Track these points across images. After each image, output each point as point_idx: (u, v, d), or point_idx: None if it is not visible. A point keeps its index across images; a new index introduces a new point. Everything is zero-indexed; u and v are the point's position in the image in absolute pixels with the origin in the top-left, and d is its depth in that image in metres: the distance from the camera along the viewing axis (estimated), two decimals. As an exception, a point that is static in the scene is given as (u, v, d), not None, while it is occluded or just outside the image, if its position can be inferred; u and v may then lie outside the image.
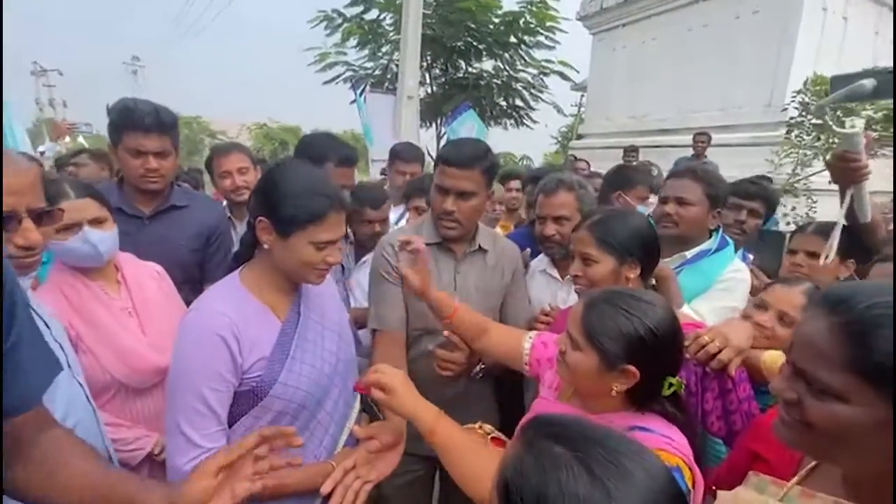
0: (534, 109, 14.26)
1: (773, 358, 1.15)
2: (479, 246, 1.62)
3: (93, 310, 1.35)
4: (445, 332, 1.43)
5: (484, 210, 1.60)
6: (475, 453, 0.98)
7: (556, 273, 1.79)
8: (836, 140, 5.57)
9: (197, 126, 19.24)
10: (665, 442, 0.91)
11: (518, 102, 13.96)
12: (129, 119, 1.68)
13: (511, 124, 14.11)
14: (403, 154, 2.95)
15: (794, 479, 0.73)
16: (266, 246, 1.12)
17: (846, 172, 1.43)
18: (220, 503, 0.82)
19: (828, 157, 5.51)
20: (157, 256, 1.74)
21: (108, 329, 1.36)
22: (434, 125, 13.69)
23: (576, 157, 7.42)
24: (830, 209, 6.02)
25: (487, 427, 1.24)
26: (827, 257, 1.50)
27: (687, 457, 0.90)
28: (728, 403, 1.15)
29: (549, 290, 1.79)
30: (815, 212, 5.54)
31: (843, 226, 1.52)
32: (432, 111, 12.92)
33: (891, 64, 1.40)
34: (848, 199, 1.46)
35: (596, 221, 1.30)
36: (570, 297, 1.71)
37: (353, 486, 1.03)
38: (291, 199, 1.05)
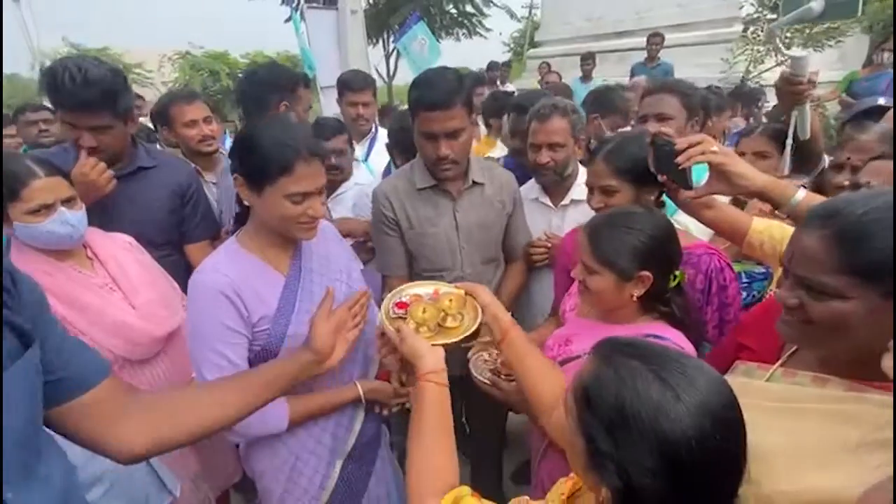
0: (485, 16, 13.40)
1: (759, 226, 1.23)
2: (474, 181, 1.58)
3: (72, 291, 1.28)
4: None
5: (473, 139, 1.55)
6: (538, 359, 1.06)
7: (548, 200, 1.79)
8: (790, 34, 5.67)
9: (106, 60, 16.70)
10: (675, 348, 1.03)
11: (469, 8, 13.03)
12: (54, 94, 1.46)
13: (463, 34, 13.27)
14: (353, 83, 2.58)
15: (778, 363, 0.85)
16: (247, 203, 1.12)
17: (792, 95, 1.49)
18: (340, 350, 1.06)
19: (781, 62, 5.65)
20: (130, 219, 1.64)
21: (95, 308, 1.29)
22: (381, 41, 12.67)
23: (549, 66, 7.15)
24: (780, 105, 6.19)
25: (495, 353, 1.31)
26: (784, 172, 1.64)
27: None
28: (725, 314, 1.26)
29: (543, 217, 1.78)
30: (765, 109, 5.75)
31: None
32: (378, 25, 11.86)
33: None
34: (794, 119, 1.54)
35: (611, 150, 1.28)
36: (564, 223, 1.73)
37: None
38: (258, 153, 1.04)
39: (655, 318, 1.12)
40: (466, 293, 1.08)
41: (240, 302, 1.07)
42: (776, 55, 5.85)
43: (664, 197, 1.62)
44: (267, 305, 1.12)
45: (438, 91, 1.39)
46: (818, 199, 1.18)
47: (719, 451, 0.56)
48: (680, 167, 1.09)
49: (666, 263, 1.07)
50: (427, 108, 1.40)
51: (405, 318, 1.03)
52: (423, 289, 1.13)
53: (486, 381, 1.25)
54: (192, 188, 1.81)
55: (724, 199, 1.37)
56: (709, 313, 1.27)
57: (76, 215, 1.29)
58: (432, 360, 0.92)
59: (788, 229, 1.22)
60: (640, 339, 0.66)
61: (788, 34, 5.67)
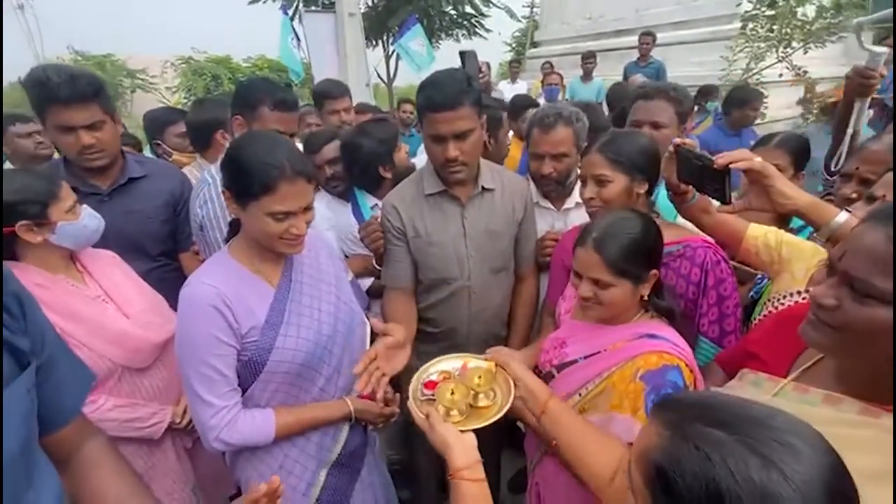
0: (485, 16, 13.40)
1: (755, 232, 1.24)
2: (484, 187, 1.54)
3: (69, 304, 1.30)
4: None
5: (483, 140, 1.51)
6: (581, 428, 0.99)
7: (549, 204, 1.76)
8: (789, 30, 5.62)
9: (111, 66, 16.75)
10: (671, 346, 1.03)
11: (468, 9, 13.03)
12: (45, 93, 1.47)
13: (463, 35, 13.27)
14: (332, 91, 2.67)
15: (790, 377, 0.80)
16: (233, 216, 1.13)
17: (860, 86, 1.54)
18: None
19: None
20: (125, 233, 1.63)
21: (92, 319, 1.31)
22: (381, 43, 12.69)
23: (552, 66, 7.14)
24: (781, 101, 6.08)
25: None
26: (838, 166, 1.65)
27: (688, 359, 1.04)
28: (724, 308, 1.25)
29: (545, 221, 1.75)
30: (766, 107, 5.69)
31: (801, 139, 1.69)
32: (377, 27, 11.88)
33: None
34: (857, 110, 1.58)
35: (606, 142, 1.30)
36: (567, 227, 1.71)
37: (375, 374, 1.10)
38: (243, 171, 1.04)
39: (652, 316, 1.13)
40: (497, 365, 1.06)
41: (229, 313, 1.08)
42: (777, 52, 5.79)
43: (661, 198, 1.62)
44: (256, 317, 1.12)
45: (445, 91, 1.35)
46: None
47: None
48: (717, 181, 1.09)
49: (660, 259, 1.10)
50: (434, 110, 1.36)
51: (434, 401, 0.99)
52: (452, 363, 1.12)
53: None
54: (185, 196, 1.80)
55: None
56: (705, 306, 1.26)
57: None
58: (462, 453, 0.85)
59: (784, 235, 1.22)
60: (702, 395, 0.58)
61: (788, 30, 5.61)
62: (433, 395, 1.01)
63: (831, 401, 0.72)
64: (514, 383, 1.02)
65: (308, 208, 1.11)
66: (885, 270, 0.63)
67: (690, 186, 1.22)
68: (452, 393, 0.97)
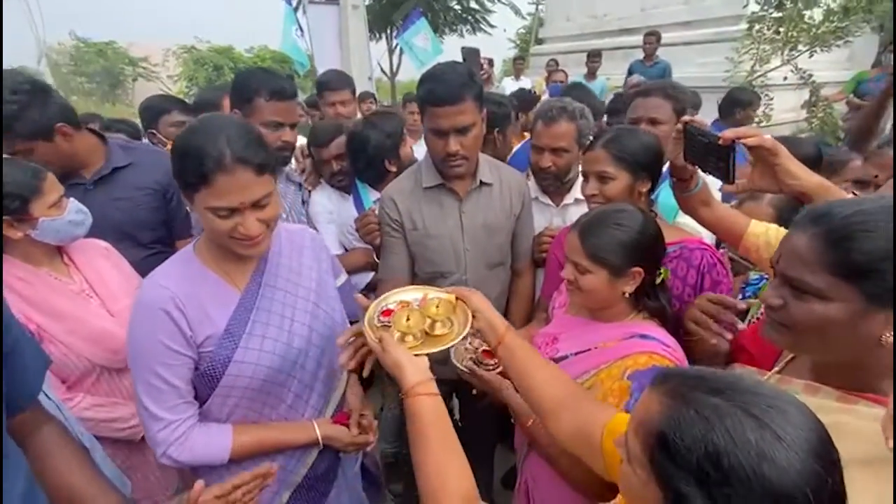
0: (490, 12, 13.36)
1: (756, 230, 1.20)
2: (482, 181, 1.52)
3: (50, 299, 1.24)
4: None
5: (483, 134, 1.48)
6: (537, 362, 1.00)
7: (548, 200, 1.75)
8: (796, 33, 5.59)
9: (113, 54, 16.68)
10: (661, 347, 1.02)
11: (473, 5, 12.99)
12: None
13: (467, 30, 13.23)
14: (332, 83, 2.64)
15: (774, 370, 0.85)
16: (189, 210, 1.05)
17: None
18: None
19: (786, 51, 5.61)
20: (112, 222, 1.59)
21: (73, 316, 1.26)
22: (384, 36, 12.64)
23: (557, 63, 7.11)
24: (786, 104, 6.05)
25: (476, 342, 1.30)
26: None
27: (678, 361, 1.02)
28: None
29: (544, 217, 1.74)
30: (771, 109, 5.66)
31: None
32: (381, 21, 11.83)
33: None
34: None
35: (610, 139, 1.28)
36: (565, 223, 1.70)
37: (362, 351, 1.02)
38: (181, 159, 0.92)
39: (645, 317, 1.11)
40: (457, 298, 1.02)
41: (183, 319, 0.97)
42: (783, 55, 5.76)
43: (662, 197, 1.61)
44: (214, 324, 1.01)
45: (446, 85, 1.33)
46: None
47: (832, 496, 0.48)
48: (722, 159, 1.04)
49: (654, 260, 1.07)
50: (435, 104, 1.34)
51: (390, 327, 0.97)
52: (412, 294, 1.07)
53: (465, 369, 1.23)
54: (174, 183, 1.77)
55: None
56: None
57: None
58: (415, 371, 0.85)
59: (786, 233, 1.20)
60: (697, 369, 0.59)
61: (794, 32, 5.57)
62: (389, 321, 0.98)
63: (810, 390, 0.76)
64: (474, 315, 0.99)
65: (260, 205, 0.95)
66: (812, 267, 0.69)
67: (693, 175, 1.19)
68: (408, 319, 0.95)
